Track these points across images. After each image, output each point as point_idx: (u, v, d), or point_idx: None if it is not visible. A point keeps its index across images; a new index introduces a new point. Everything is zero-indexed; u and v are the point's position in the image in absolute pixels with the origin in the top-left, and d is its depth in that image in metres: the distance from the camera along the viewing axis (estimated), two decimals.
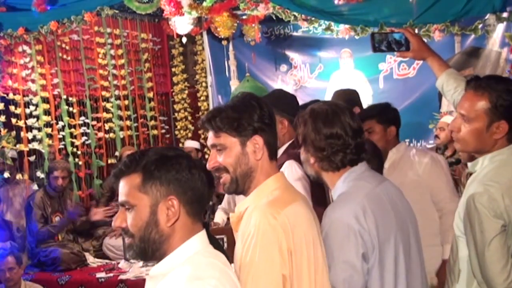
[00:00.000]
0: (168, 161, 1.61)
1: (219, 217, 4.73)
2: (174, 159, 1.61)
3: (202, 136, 7.77)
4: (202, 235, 1.66)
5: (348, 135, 2.05)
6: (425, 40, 3.07)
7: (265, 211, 1.78)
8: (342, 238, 1.94)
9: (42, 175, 5.81)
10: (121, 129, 7.04)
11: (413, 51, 2.68)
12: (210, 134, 1.91)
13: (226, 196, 4.80)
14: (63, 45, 6.50)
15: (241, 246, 1.78)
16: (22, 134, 5.95)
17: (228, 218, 4.71)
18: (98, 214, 5.47)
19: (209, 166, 1.90)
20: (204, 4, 5.74)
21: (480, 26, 4.97)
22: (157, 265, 1.62)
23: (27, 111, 6.04)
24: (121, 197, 1.62)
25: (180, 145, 7.88)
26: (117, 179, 1.64)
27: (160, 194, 1.58)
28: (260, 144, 1.87)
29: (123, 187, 1.62)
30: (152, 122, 7.50)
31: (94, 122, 6.76)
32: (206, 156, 7.06)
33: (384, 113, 3.56)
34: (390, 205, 2.07)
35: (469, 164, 2.40)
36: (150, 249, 1.60)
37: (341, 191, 2.07)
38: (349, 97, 3.62)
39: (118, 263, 5.08)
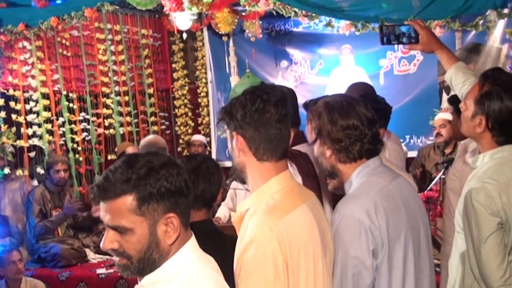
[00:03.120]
0: (159, 174, 1.46)
1: (222, 212, 4.73)
2: (165, 169, 1.47)
3: (202, 132, 7.79)
4: (193, 242, 1.58)
5: (364, 125, 2.02)
6: None
7: (262, 221, 1.71)
8: (353, 233, 1.92)
9: (42, 171, 5.81)
10: (121, 125, 7.03)
11: (422, 44, 2.65)
12: None
13: (229, 192, 4.81)
14: (63, 41, 6.49)
15: (238, 250, 1.75)
16: (22, 130, 5.95)
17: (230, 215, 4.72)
18: (99, 210, 5.41)
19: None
20: (205, 0, 5.73)
21: (481, 22, 4.97)
22: (150, 275, 1.52)
23: (27, 107, 6.04)
24: (112, 221, 1.46)
25: (180, 141, 7.90)
26: (102, 200, 1.48)
27: (158, 213, 1.46)
28: (239, 143, 1.82)
29: (113, 210, 1.46)
30: (152, 118, 7.50)
31: (94, 118, 6.76)
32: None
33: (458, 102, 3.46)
34: (402, 202, 2.05)
35: (470, 160, 2.40)
36: (148, 268, 1.50)
37: (354, 185, 2.05)
38: (365, 91, 3.55)
39: None
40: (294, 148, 3.05)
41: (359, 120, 2.03)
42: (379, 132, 2.11)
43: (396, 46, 6.86)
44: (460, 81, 2.64)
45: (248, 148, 1.82)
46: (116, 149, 6.82)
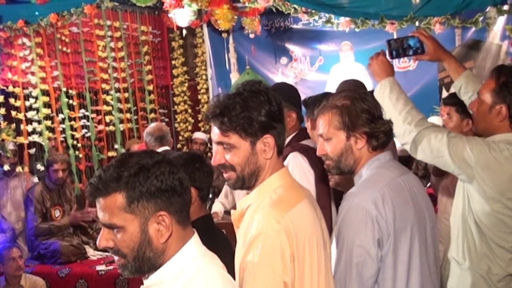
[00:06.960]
0: (150, 172, 1.46)
1: (217, 207, 4.72)
2: (156, 167, 1.47)
3: (202, 129, 7.77)
4: (195, 239, 1.57)
5: (382, 115, 2.09)
6: None
7: (268, 214, 1.71)
8: (359, 223, 1.95)
9: (42, 168, 5.81)
10: (121, 122, 7.04)
11: (428, 54, 2.69)
12: (216, 130, 1.79)
13: (224, 189, 4.80)
14: (63, 38, 6.49)
15: (242, 247, 1.74)
16: (22, 126, 5.96)
17: (225, 211, 4.73)
18: (73, 216, 5.34)
19: (214, 162, 1.82)
20: None
21: (480, 19, 4.98)
22: (154, 274, 1.52)
23: (27, 103, 6.03)
24: (105, 219, 1.47)
25: (180, 137, 7.90)
26: (95, 198, 1.48)
27: (149, 211, 1.46)
28: (271, 144, 1.78)
29: (105, 208, 1.46)
30: (152, 115, 7.50)
31: (94, 115, 6.76)
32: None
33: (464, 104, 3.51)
34: (410, 196, 2.08)
35: None
36: (146, 266, 1.49)
37: (364, 177, 2.09)
38: (356, 88, 3.55)
39: None
40: (301, 143, 3.09)
41: (380, 110, 2.10)
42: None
43: None
44: (471, 89, 2.73)
45: (276, 146, 1.81)
46: (116, 146, 6.84)
